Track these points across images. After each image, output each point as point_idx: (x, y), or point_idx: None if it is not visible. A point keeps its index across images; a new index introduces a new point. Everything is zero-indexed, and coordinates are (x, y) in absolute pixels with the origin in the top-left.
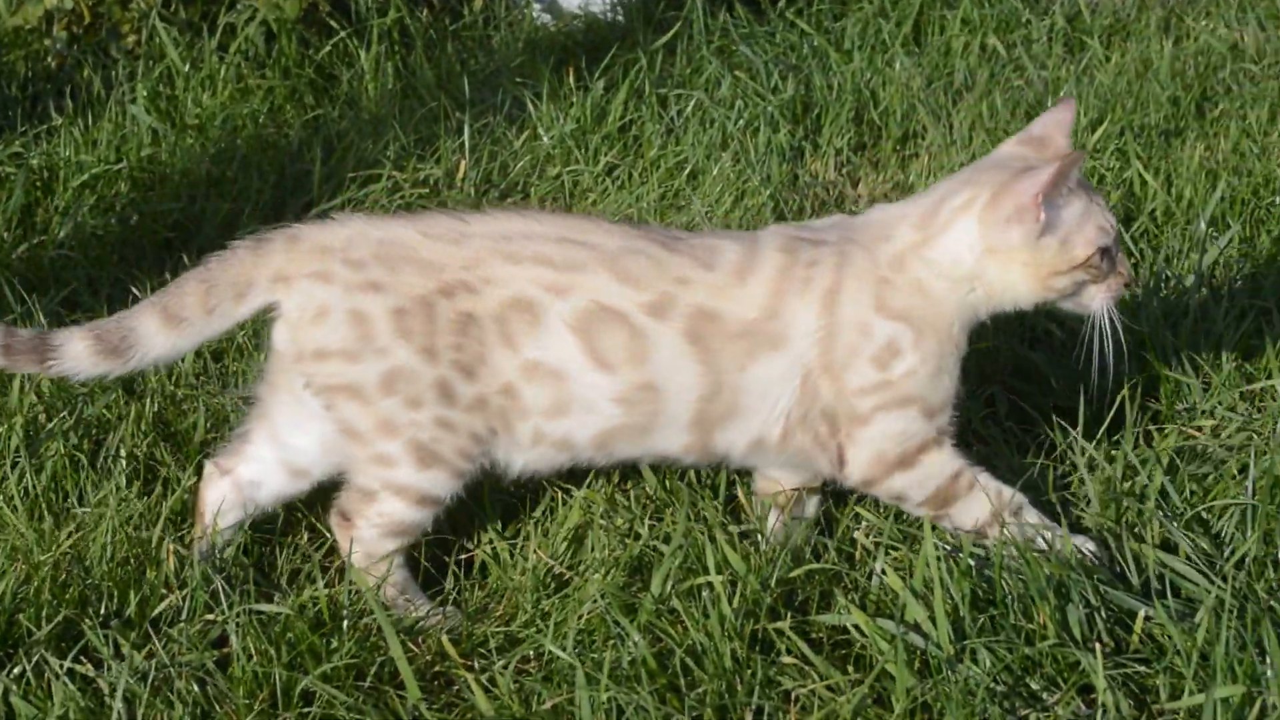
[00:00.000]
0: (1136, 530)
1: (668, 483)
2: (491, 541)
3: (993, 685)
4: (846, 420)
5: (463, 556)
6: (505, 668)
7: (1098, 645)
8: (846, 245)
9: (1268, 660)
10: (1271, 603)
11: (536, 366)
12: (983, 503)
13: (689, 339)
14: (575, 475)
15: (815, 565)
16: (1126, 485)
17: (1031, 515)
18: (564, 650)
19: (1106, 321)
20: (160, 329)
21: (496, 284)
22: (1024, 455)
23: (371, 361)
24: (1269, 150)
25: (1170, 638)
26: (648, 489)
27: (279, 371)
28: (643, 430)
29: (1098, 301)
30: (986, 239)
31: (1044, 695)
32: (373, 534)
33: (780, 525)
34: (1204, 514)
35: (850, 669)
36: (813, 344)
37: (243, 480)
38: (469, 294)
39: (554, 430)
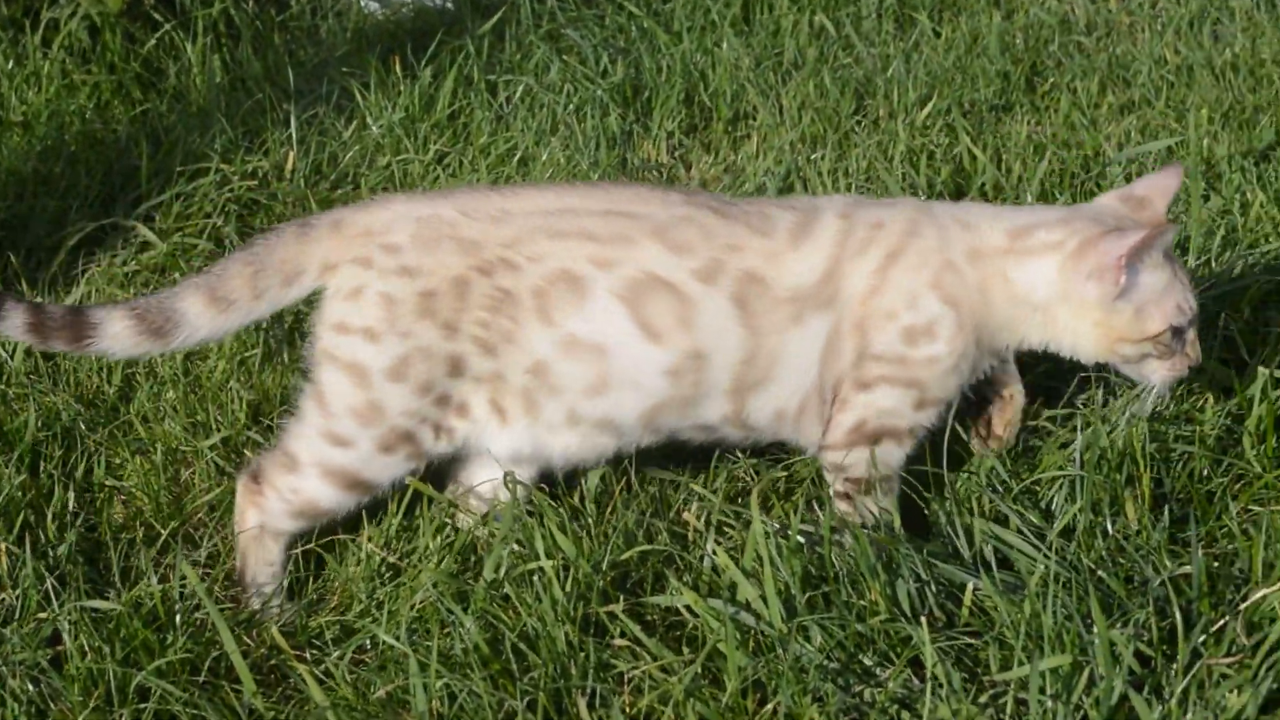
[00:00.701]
0: (968, 505)
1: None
2: (326, 533)
3: (825, 662)
4: (849, 385)
5: (297, 550)
6: (340, 658)
7: (924, 619)
8: (921, 216)
9: (1094, 630)
10: (1099, 573)
11: (575, 342)
12: (887, 505)
13: (736, 303)
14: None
15: (647, 547)
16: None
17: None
18: (397, 639)
19: (1154, 397)
20: (206, 310)
21: (539, 260)
22: None
23: (390, 344)
24: (1099, 122)
25: (999, 609)
26: None
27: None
28: (689, 401)
29: (1158, 376)
30: (1064, 286)
31: (876, 670)
32: (279, 509)
33: None
34: (1035, 487)
35: (684, 649)
36: (856, 301)
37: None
38: (510, 271)
39: (593, 410)
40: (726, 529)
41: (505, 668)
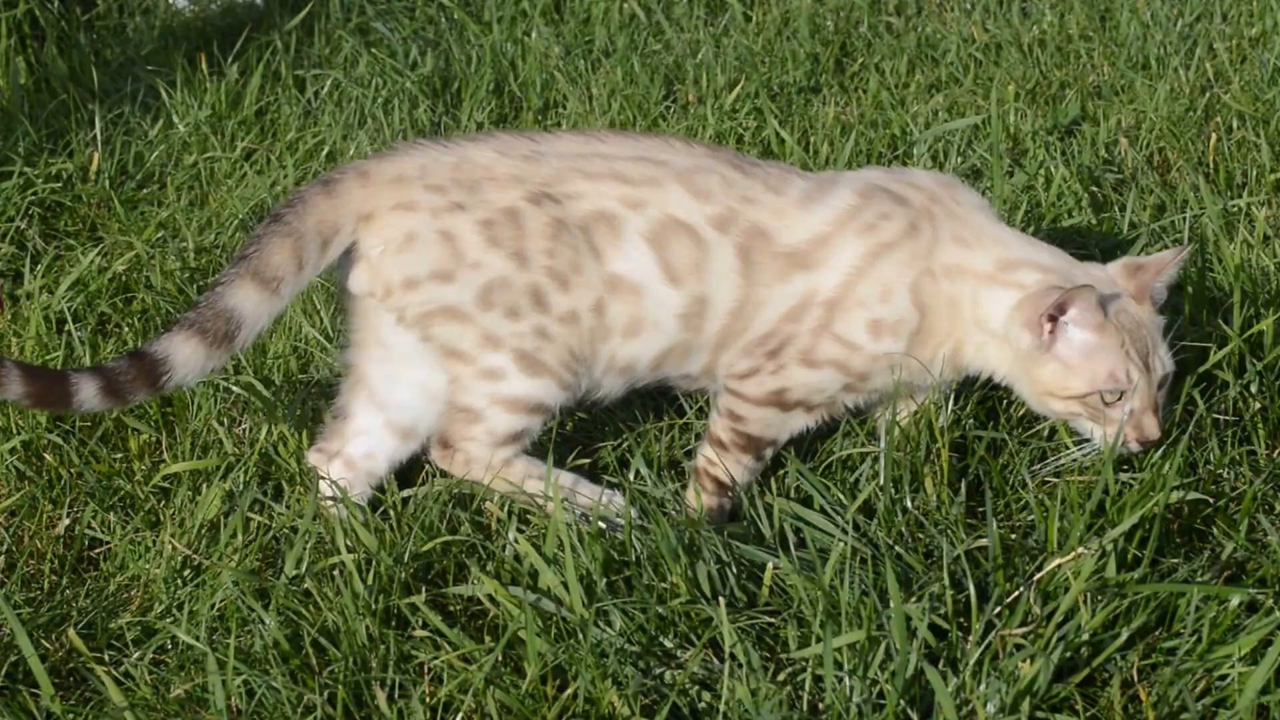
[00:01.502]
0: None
1: (302, 460)
2: (128, 533)
3: (625, 645)
4: (793, 353)
5: (96, 551)
6: (140, 659)
7: (721, 600)
8: (924, 221)
9: (890, 605)
10: (897, 549)
11: (620, 280)
12: (752, 469)
13: (739, 254)
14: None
15: (449, 538)
16: None
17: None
18: (196, 638)
19: (1095, 451)
20: (259, 298)
21: (578, 198)
22: (660, 417)
23: (467, 278)
24: (907, 102)
25: (797, 588)
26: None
27: (364, 326)
28: (688, 350)
29: (1096, 437)
30: (1007, 329)
31: (677, 652)
32: (485, 451)
33: None
34: (840, 465)
35: (487, 638)
36: (839, 277)
37: (355, 457)
38: (554, 204)
39: (624, 353)
40: (529, 518)
41: (305, 662)
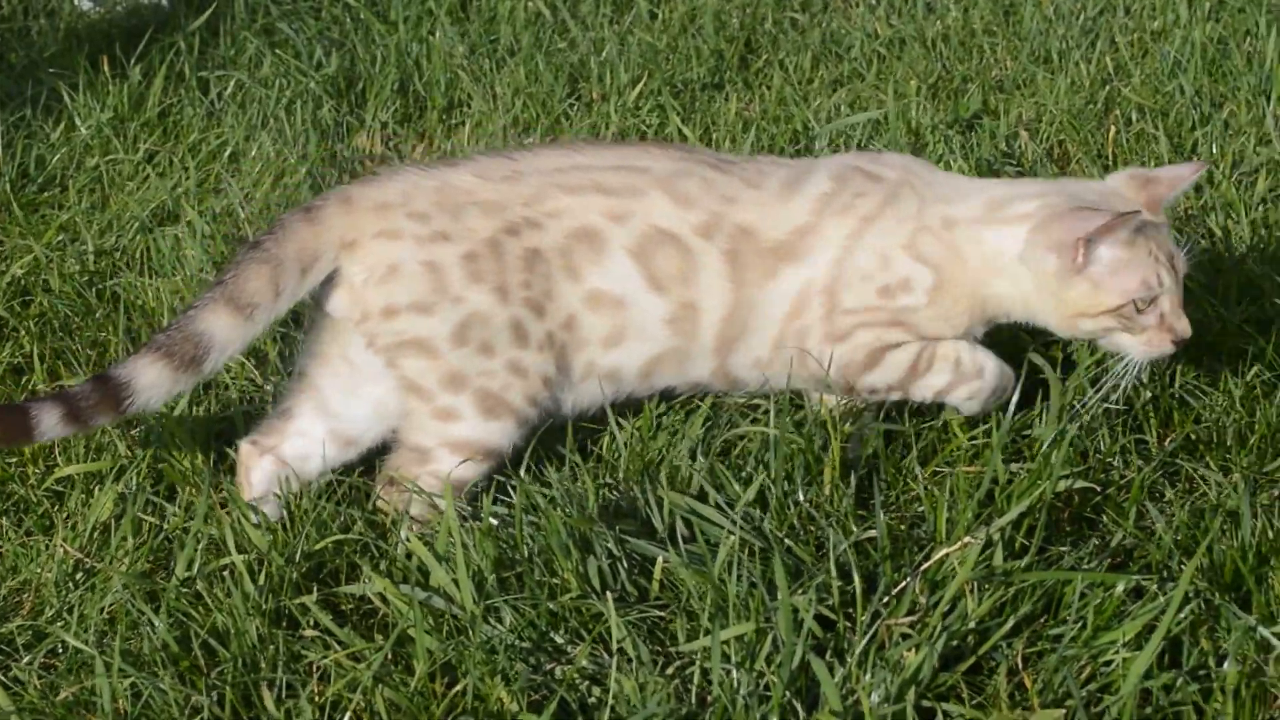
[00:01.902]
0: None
1: (195, 462)
2: (20, 536)
3: (516, 642)
4: (820, 338)
5: None
6: (30, 664)
7: (609, 594)
8: (901, 189)
9: (779, 597)
10: (787, 541)
11: (599, 295)
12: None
13: (728, 259)
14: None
15: (341, 537)
16: (652, 435)
17: None
18: (85, 642)
19: (1133, 374)
20: (231, 323)
21: (559, 216)
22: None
23: (446, 311)
24: (810, 97)
25: (686, 582)
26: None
27: (331, 340)
28: (683, 356)
29: (1137, 351)
30: (1027, 255)
31: (568, 647)
32: (434, 491)
33: None
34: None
35: (378, 638)
36: (829, 264)
37: (286, 456)
38: (533, 229)
39: (606, 361)
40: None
41: (194, 664)
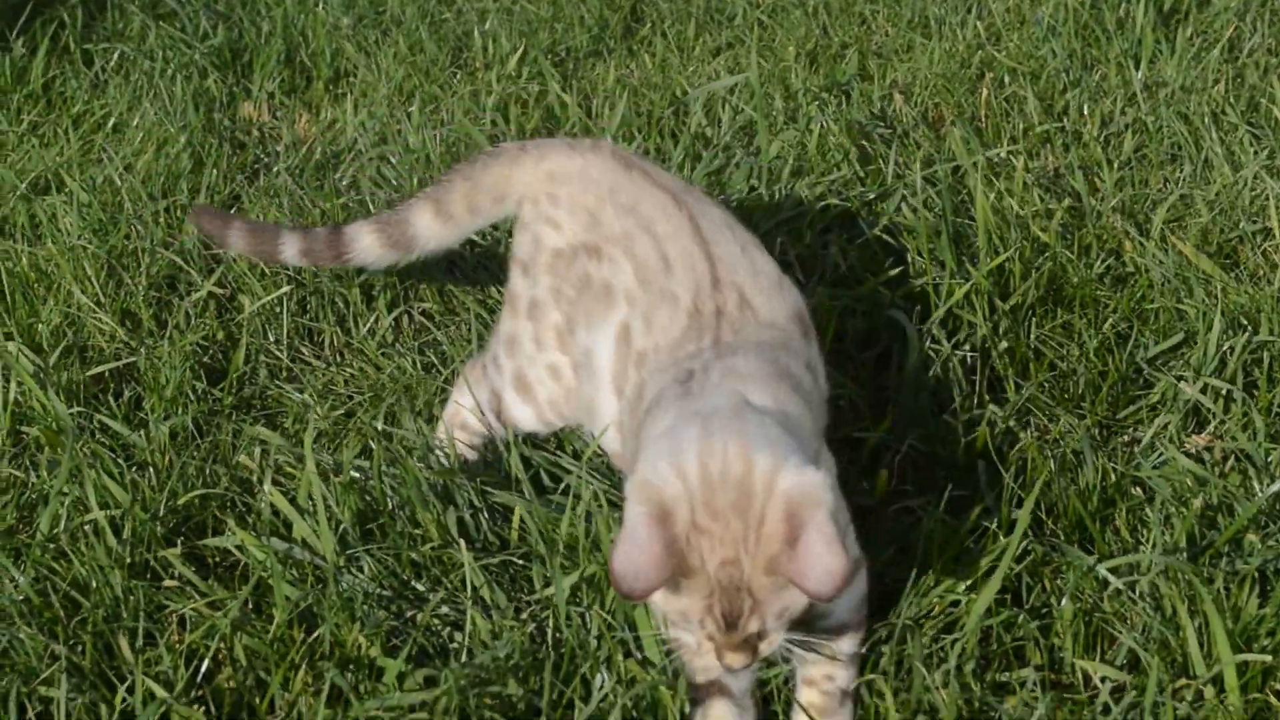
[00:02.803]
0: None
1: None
2: None
3: (379, 591)
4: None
5: None
6: None
7: (463, 543)
8: None
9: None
10: None
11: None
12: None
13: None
14: None
15: (205, 491)
16: None
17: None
18: None
19: None
20: (432, 223)
21: (614, 262)
22: (427, 372)
23: (530, 284)
24: (690, 63)
25: (541, 531)
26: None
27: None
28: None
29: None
30: None
31: (429, 595)
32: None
33: None
34: None
35: (241, 588)
36: None
37: None
38: (598, 262)
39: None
40: (289, 472)
41: (55, 616)
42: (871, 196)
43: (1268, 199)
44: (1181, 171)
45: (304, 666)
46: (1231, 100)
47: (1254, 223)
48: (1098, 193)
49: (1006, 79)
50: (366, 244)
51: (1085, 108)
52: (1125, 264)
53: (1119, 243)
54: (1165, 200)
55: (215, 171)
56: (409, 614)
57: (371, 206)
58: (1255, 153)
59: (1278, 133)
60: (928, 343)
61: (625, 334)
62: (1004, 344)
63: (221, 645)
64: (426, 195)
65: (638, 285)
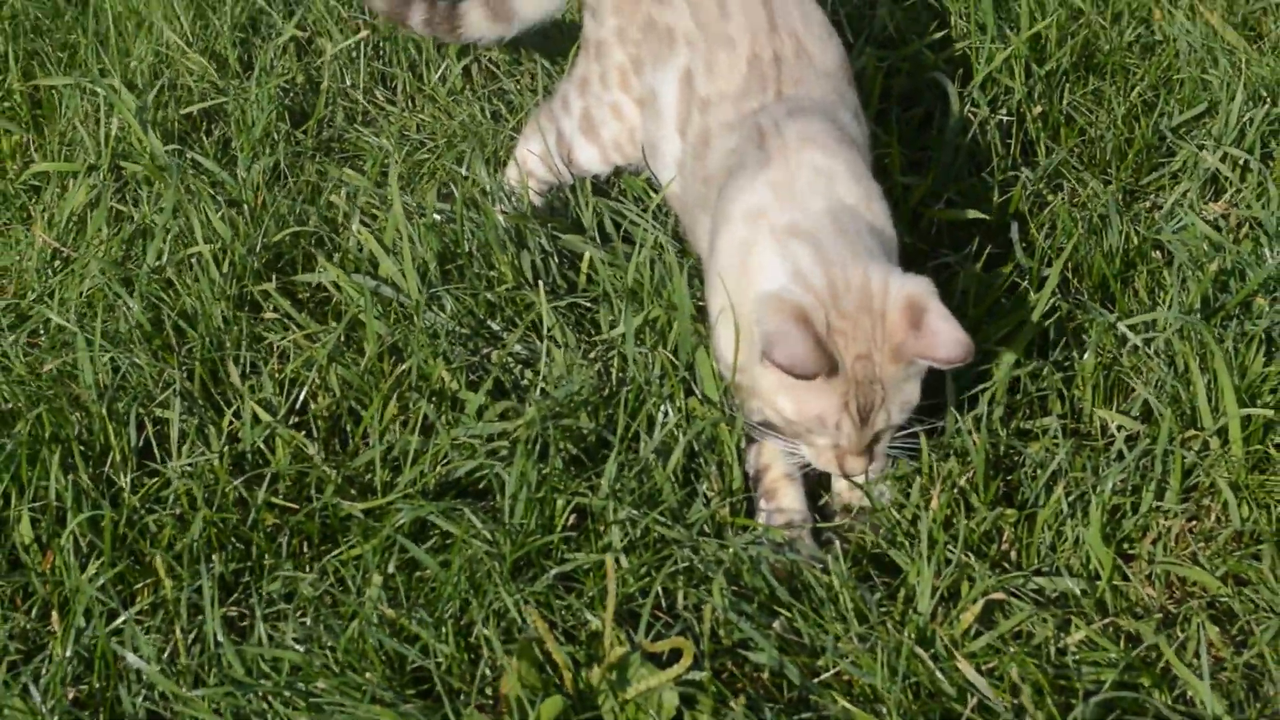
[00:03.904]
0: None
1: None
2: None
3: (457, 328)
4: None
5: None
6: (15, 343)
7: (540, 284)
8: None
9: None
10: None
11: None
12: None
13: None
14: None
15: (298, 229)
16: None
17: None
18: (67, 321)
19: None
20: None
21: (676, 8)
22: (496, 120)
23: (597, 27)
24: None
25: (609, 276)
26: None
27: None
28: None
29: (807, 455)
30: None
31: (503, 334)
32: (522, 152)
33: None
34: None
35: (331, 322)
36: None
37: None
38: (659, 5)
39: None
40: (374, 212)
41: (166, 343)
42: None
43: None
44: None
45: (393, 398)
46: None
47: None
48: None
49: None
50: (474, 19)
51: None
52: (1154, 32)
53: (1148, 10)
54: None
55: None
56: (485, 351)
57: None
58: None
59: None
60: (967, 106)
61: (688, 78)
62: (1039, 108)
63: (318, 376)
64: None
65: (696, 28)
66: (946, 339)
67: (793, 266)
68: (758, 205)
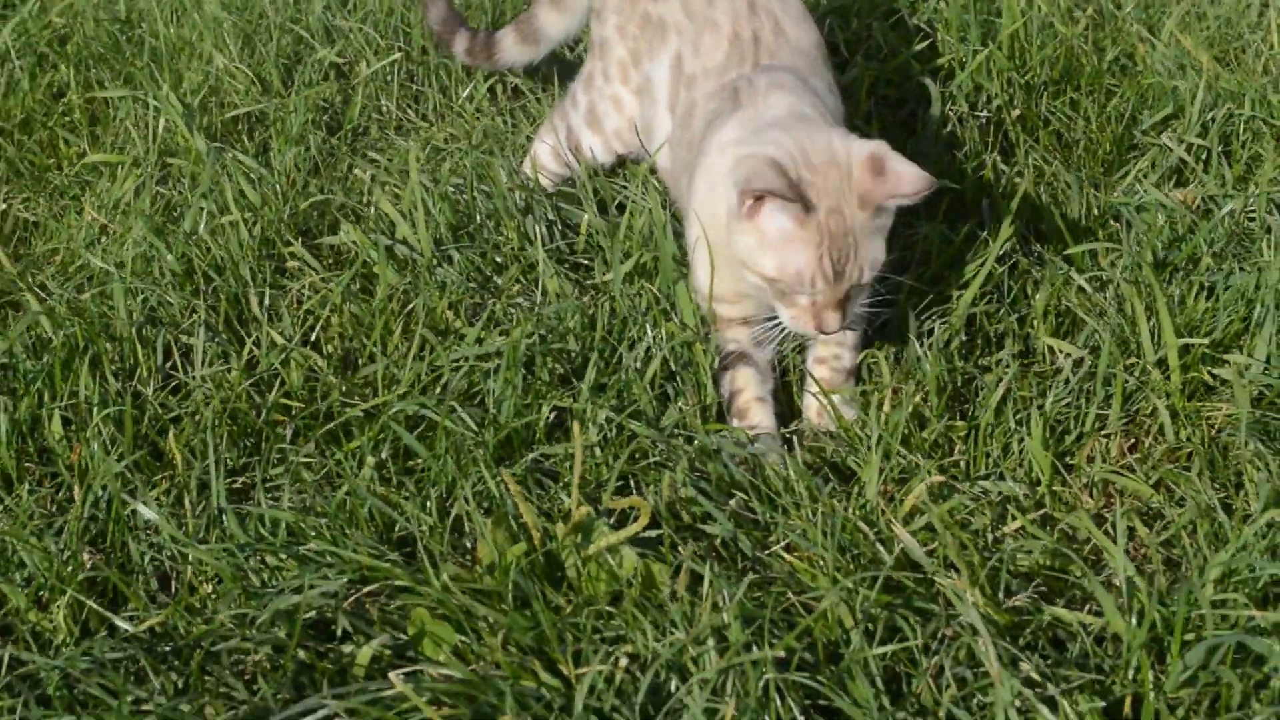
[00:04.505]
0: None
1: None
2: (54, 212)
3: (466, 282)
4: None
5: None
6: (62, 286)
7: (540, 243)
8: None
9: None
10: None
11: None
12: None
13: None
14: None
15: (323, 197)
16: None
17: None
18: (109, 267)
19: (780, 334)
20: (550, 13)
21: (664, 4)
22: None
23: (600, 26)
24: None
25: (603, 238)
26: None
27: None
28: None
29: (784, 318)
30: (727, 188)
31: (508, 288)
32: (536, 148)
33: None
34: None
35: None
36: None
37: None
38: (653, 1)
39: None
40: (397, 193)
41: (196, 288)
42: None
43: (1267, 9)
44: None
45: (398, 331)
46: None
47: (1255, 32)
48: (1121, 9)
49: None
50: (508, 44)
51: None
52: (1136, 63)
53: (1133, 45)
54: (1177, 8)
55: None
56: (487, 300)
57: None
58: None
59: None
60: (948, 105)
61: (678, 62)
62: (1017, 112)
63: (331, 314)
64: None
65: (685, 19)
66: (909, 176)
67: (762, 142)
68: (729, 139)
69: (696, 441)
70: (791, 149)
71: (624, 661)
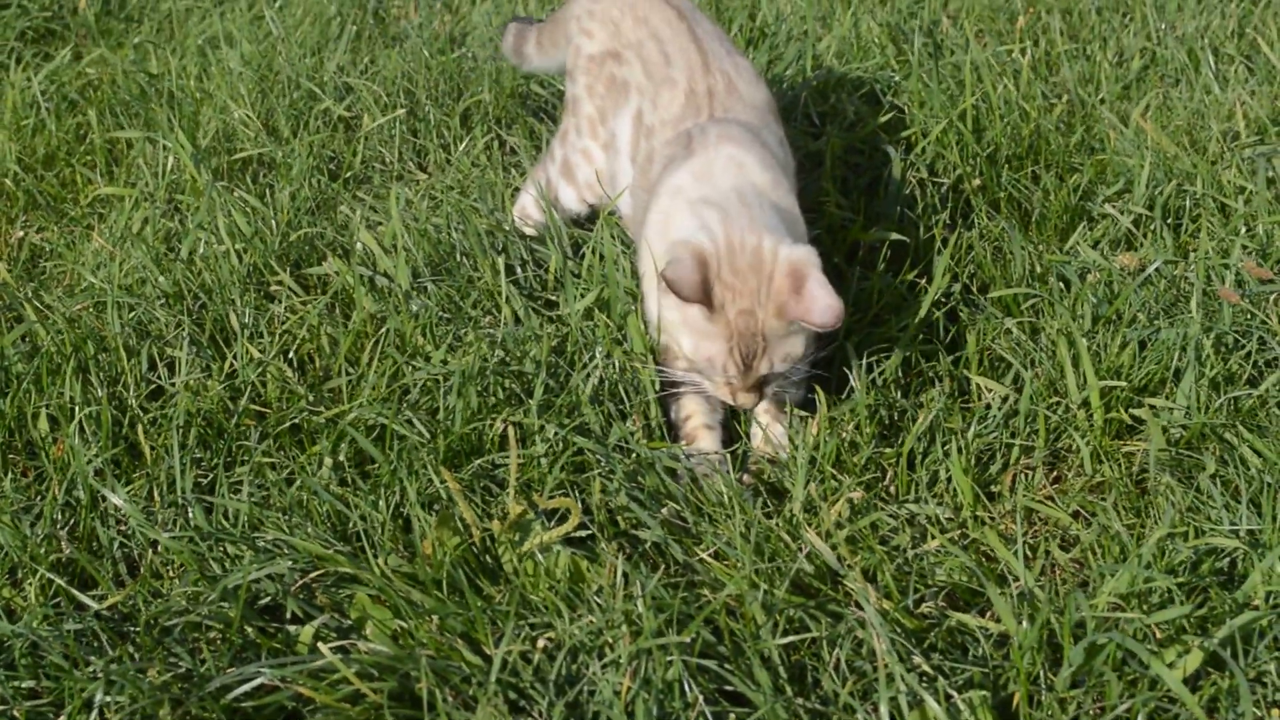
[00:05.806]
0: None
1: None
2: (66, 239)
3: (440, 312)
4: None
5: (43, 260)
6: (63, 303)
7: (503, 275)
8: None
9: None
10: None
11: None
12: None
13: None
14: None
15: (311, 230)
16: None
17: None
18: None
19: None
20: (535, 50)
21: (630, 66)
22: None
23: (572, 85)
24: None
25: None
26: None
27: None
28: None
29: (706, 385)
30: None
31: (480, 317)
32: (522, 200)
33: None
34: None
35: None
36: None
37: None
38: (619, 64)
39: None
40: (378, 225)
41: (186, 308)
42: (896, 79)
43: (1236, 106)
44: (1177, 89)
45: (369, 348)
46: (1235, 37)
47: (1223, 122)
48: (1096, 93)
49: (1044, 14)
50: (529, 52)
51: (1106, 38)
52: (1104, 147)
53: (1105, 135)
54: (1146, 98)
55: (355, 29)
56: (460, 330)
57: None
58: (1246, 80)
59: (1268, 69)
60: (909, 171)
61: (639, 116)
62: (977, 181)
63: (308, 335)
64: (538, 28)
65: (646, 79)
66: (821, 304)
67: (701, 223)
68: (679, 185)
69: (635, 454)
70: (720, 243)
71: (542, 643)
